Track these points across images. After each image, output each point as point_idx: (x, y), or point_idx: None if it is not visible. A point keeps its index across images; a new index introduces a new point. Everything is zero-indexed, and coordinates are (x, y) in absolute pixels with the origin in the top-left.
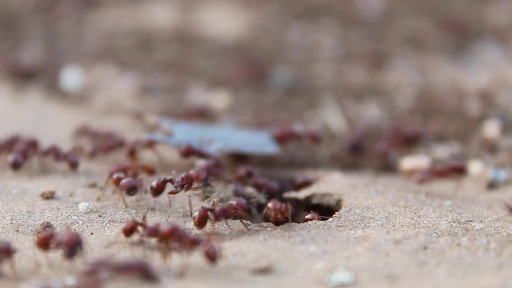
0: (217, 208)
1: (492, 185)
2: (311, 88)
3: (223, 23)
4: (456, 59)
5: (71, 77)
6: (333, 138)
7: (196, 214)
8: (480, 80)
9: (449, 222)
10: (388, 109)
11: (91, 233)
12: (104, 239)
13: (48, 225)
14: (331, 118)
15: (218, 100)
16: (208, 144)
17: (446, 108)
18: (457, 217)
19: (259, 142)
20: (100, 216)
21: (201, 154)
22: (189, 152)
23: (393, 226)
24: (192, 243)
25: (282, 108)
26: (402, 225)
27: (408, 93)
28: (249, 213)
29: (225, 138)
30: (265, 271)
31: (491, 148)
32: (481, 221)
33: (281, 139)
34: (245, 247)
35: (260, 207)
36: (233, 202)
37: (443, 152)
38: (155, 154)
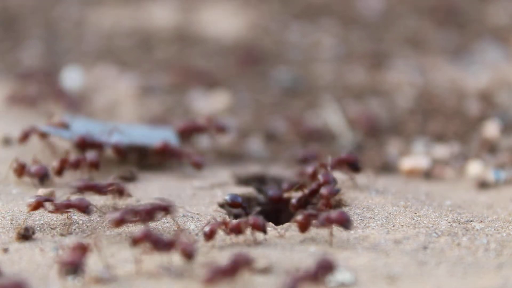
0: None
1: (483, 185)
2: (311, 88)
3: (223, 23)
4: (456, 59)
5: (71, 77)
6: (333, 138)
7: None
8: (480, 80)
9: (449, 222)
10: (388, 109)
11: (91, 233)
12: (104, 239)
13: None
14: (331, 118)
15: (218, 100)
16: (108, 135)
17: (446, 108)
18: (457, 217)
19: (159, 136)
20: (100, 216)
21: (95, 145)
22: (83, 143)
23: (393, 226)
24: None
25: (282, 108)
26: (402, 225)
27: (408, 93)
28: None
29: (125, 131)
30: (265, 271)
31: (491, 148)
32: (481, 221)
33: (184, 132)
34: (245, 247)
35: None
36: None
37: (443, 152)
38: (48, 146)
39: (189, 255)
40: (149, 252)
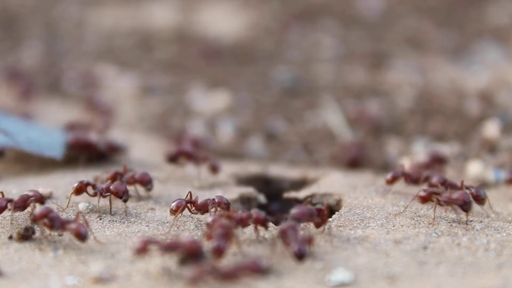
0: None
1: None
2: (311, 88)
3: (223, 23)
4: (456, 59)
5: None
6: (333, 138)
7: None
8: (480, 80)
9: (449, 222)
10: (388, 109)
11: (91, 234)
12: (104, 240)
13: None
14: (331, 118)
15: (218, 100)
16: None
17: (446, 108)
18: (457, 217)
19: (46, 143)
20: (99, 217)
21: None
22: None
23: (393, 226)
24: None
25: (282, 108)
26: (402, 225)
27: (408, 93)
28: None
29: (14, 132)
30: (265, 271)
31: (491, 148)
32: (481, 221)
33: (74, 147)
34: (245, 247)
35: (260, 207)
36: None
37: (443, 152)
38: None
39: (81, 236)
40: (47, 229)
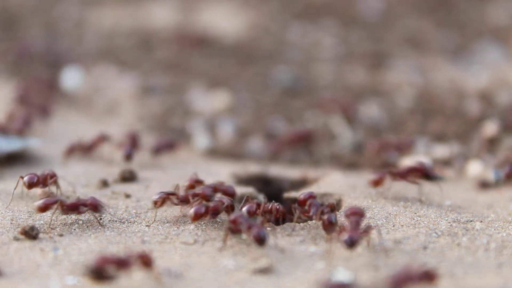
0: None
1: (483, 185)
2: (311, 88)
3: (223, 23)
4: (456, 59)
5: (71, 77)
6: (333, 138)
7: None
8: (480, 80)
9: (449, 222)
10: (388, 109)
11: (91, 234)
12: (104, 240)
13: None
14: (331, 118)
15: (218, 100)
16: None
17: (446, 108)
18: (457, 217)
19: None
20: (99, 217)
21: None
22: None
23: (393, 226)
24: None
25: (282, 108)
26: (402, 225)
27: (408, 93)
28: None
29: None
30: (265, 271)
31: (491, 148)
32: (481, 221)
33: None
34: (245, 247)
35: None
36: None
37: (443, 152)
38: None
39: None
40: None
